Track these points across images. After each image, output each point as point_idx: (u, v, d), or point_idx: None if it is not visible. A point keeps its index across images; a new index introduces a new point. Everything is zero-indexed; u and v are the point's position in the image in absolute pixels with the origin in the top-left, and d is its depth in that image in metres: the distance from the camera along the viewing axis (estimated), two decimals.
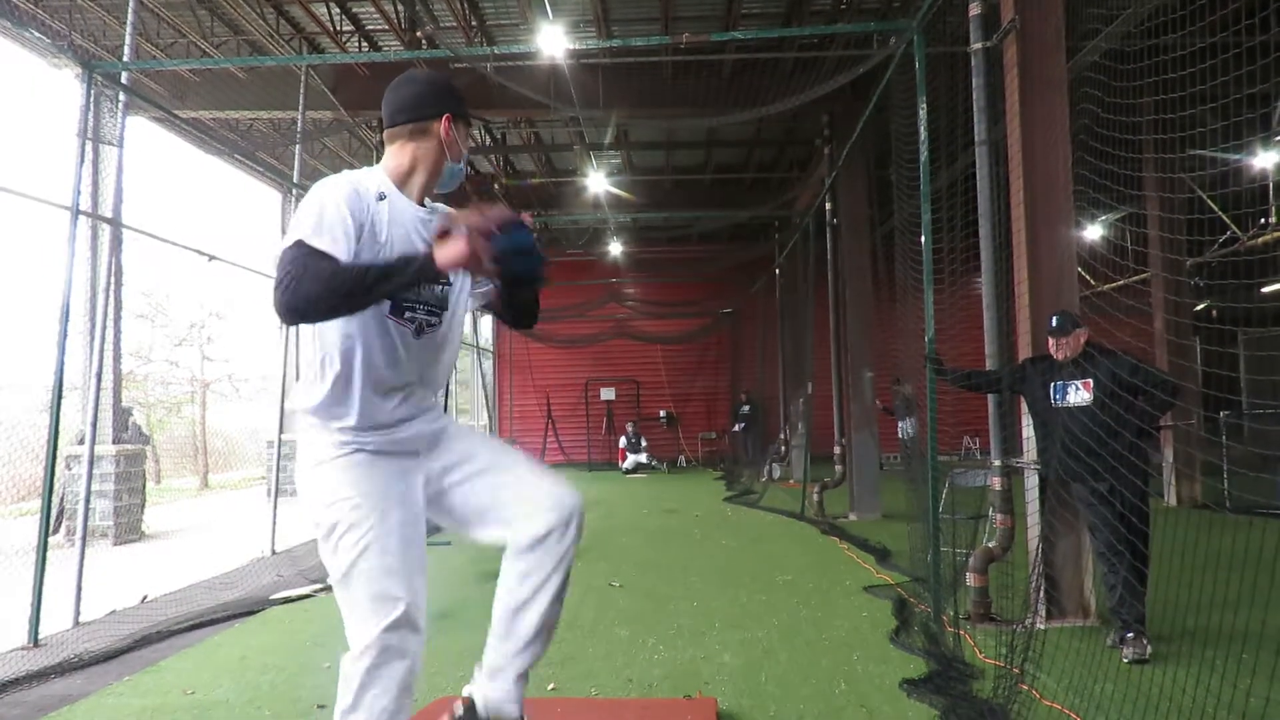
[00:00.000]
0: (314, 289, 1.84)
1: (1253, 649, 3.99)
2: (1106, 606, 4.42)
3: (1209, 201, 10.63)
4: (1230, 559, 4.10)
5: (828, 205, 10.32)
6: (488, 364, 20.02)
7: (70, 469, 9.21)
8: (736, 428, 17.69)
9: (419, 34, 8.95)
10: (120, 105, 5.70)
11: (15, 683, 4.13)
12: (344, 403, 2.14)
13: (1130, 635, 4.10)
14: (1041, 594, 4.73)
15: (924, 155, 5.15)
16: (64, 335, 5.07)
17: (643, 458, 17.89)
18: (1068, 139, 4.98)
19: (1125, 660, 4.02)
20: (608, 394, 19.87)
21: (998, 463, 5.04)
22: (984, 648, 4.29)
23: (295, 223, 1.97)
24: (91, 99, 5.14)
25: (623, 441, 18.33)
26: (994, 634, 4.55)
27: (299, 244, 1.92)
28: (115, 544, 9.17)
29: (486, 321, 20.01)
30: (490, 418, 18.44)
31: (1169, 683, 3.47)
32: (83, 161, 5.28)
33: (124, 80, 6.23)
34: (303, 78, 8.56)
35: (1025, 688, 3.58)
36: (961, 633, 4.50)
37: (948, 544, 5.58)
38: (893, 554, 6.92)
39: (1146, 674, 3.77)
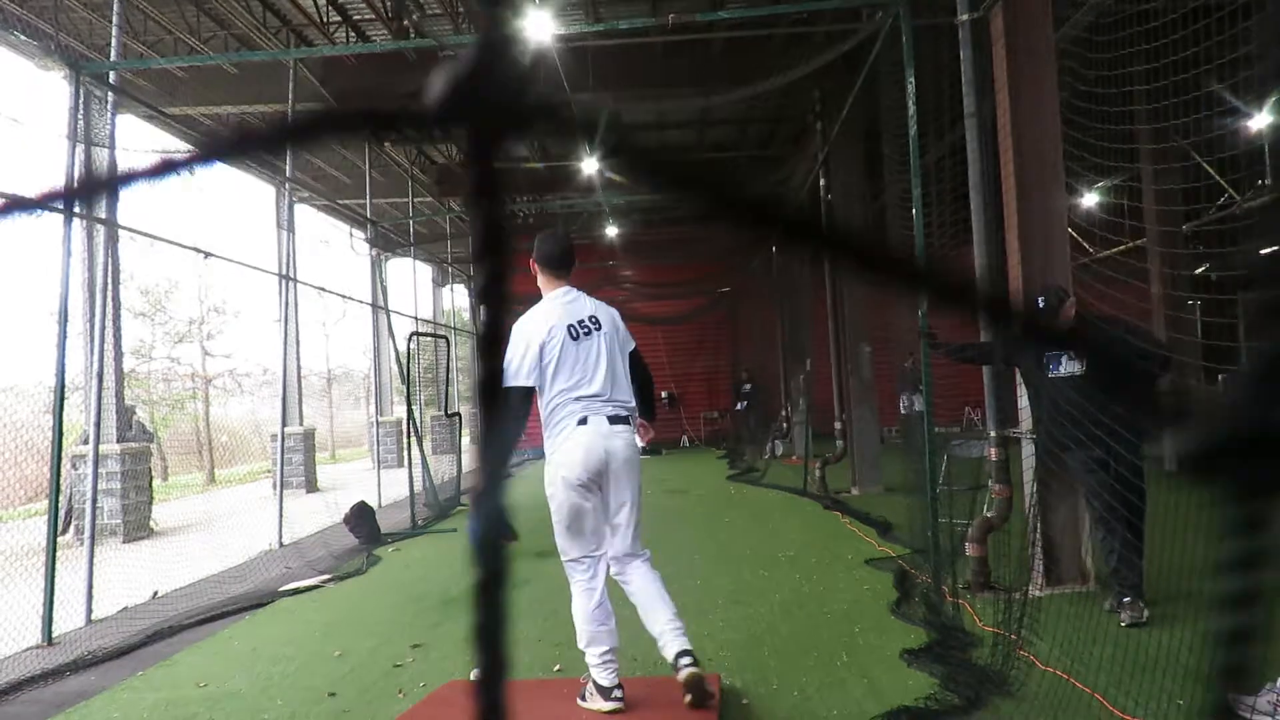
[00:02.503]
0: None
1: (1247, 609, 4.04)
2: (1104, 572, 4.48)
3: (1205, 165, 10.62)
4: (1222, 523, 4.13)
5: (821, 181, 10.32)
6: None
7: (76, 469, 9.28)
8: (739, 406, 17.74)
9: (405, 23, 8.92)
10: (109, 106, 5.70)
11: (31, 681, 4.21)
12: None
13: (1127, 600, 4.16)
14: (1039, 561, 4.79)
15: (913, 129, 5.16)
16: (63, 337, 5.11)
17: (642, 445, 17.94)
18: (1056, 109, 4.99)
19: (1122, 624, 4.08)
20: None
21: (994, 433, 5.09)
22: (983, 616, 4.35)
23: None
24: (80, 100, 5.15)
25: None
26: (993, 602, 4.60)
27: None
28: (125, 541, 9.26)
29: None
30: None
31: (1164, 645, 3.52)
32: (74, 164, 5.29)
33: (112, 80, 6.23)
34: (291, 71, 8.55)
35: (1023, 653, 3.64)
36: (961, 602, 4.56)
37: (946, 515, 5.63)
38: (894, 527, 6.97)
39: (1143, 637, 3.82)
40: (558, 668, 3.99)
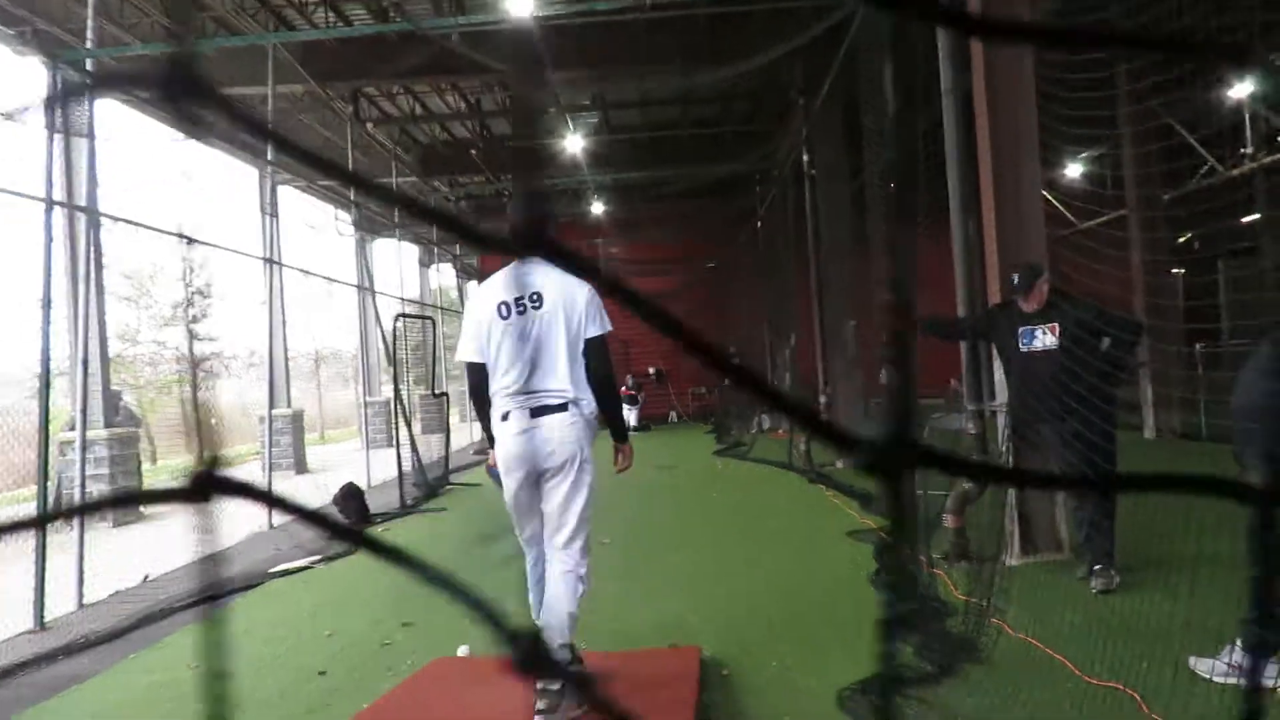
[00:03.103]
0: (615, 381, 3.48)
1: (1214, 572, 4.15)
2: (1078, 541, 4.58)
3: (1185, 134, 10.68)
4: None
5: (805, 156, 10.33)
6: None
7: (64, 454, 9.30)
8: (726, 381, 17.82)
9: (384, 3, 8.87)
10: (88, 96, 5.67)
11: (24, 665, 4.27)
12: None
13: (1099, 568, 4.26)
14: (1015, 531, 4.89)
15: (891, 105, 5.18)
16: (47, 324, 5.13)
17: (632, 419, 18.02)
18: (1032, 83, 5.03)
19: (1094, 591, 4.19)
20: None
21: (972, 407, 5.17)
22: (960, 585, 4.45)
23: (603, 314, 3.17)
24: (59, 87, 5.13)
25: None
26: (970, 572, 4.70)
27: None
28: (114, 526, 9.30)
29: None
30: None
31: (1134, 610, 3.63)
32: (52, 155, 5.28)
33: (90, 67, 6.20)
34: (270, 53, 8.49)
35: (995, 621, 3.74)
36: (938, 572, 4.66)
37: (930, 487, 5.72)
38: (876, 499, 7.07)
39: (1113, 603, 3.93)
40: None
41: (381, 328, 12.35)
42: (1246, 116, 10.76)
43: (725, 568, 5.32)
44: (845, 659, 3.57)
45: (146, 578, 6.20)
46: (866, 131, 6.51)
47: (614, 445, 3.43)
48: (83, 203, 6.32)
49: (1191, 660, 3.11)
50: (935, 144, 5.42)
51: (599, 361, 3.16)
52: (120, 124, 10.88)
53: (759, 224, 15.53)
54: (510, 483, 3.17)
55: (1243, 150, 11.37)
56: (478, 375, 3.21)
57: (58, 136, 7.31)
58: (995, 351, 4.98)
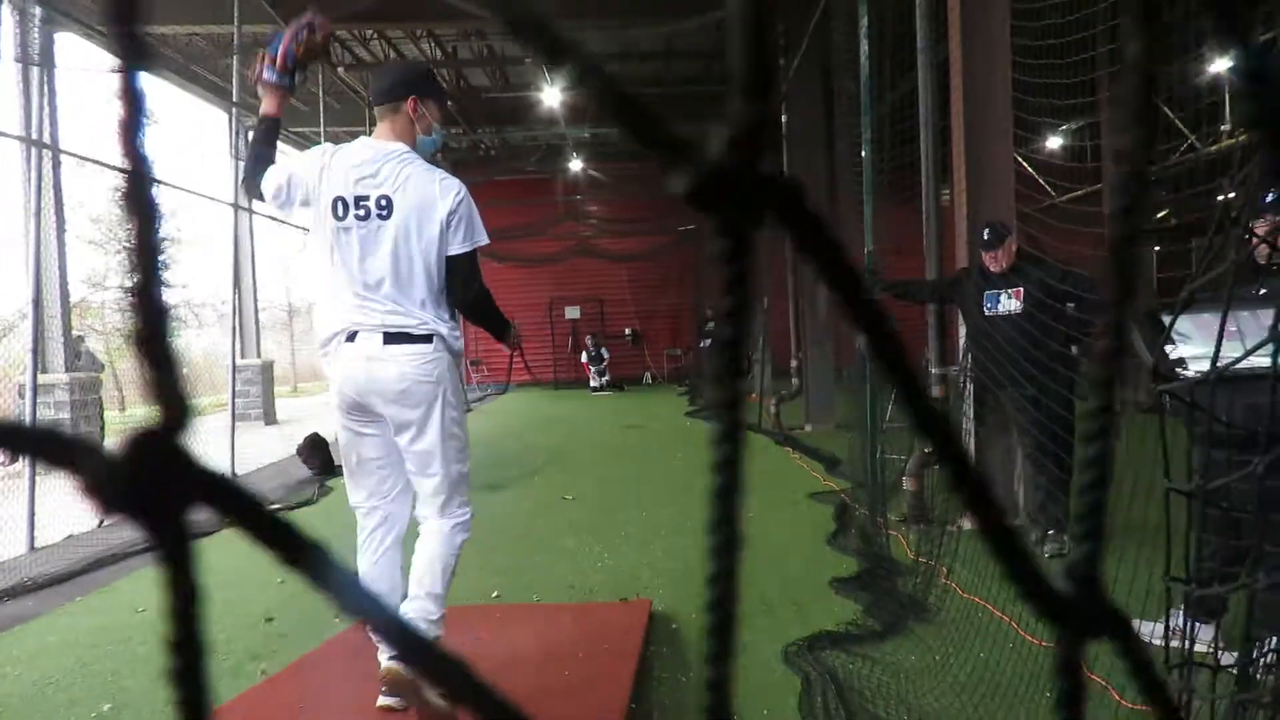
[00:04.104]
0: (489, 300, 2.84)
1: (1160, 539, 4.20)
2: (1032, 506, 4.62)
3: (1165, 109, 10.67)
4: (1155, 456, 4.27)
5: (783, 118, 10.22)
6: None
7: (23, 397, 9.13)
8: (702, 344, 17.82)
9: None
10: (37, 21, 5.47)
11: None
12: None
13: (1051, 533, 4.30)
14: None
15: (864, 63, 5.11)
16: None
17: (595, 380, 17.98)
18: (1008, 50, 4.96)
19: (1046, 556, 4.22)
20: (572, 313, 19.85)
21: (935, 371, 5.17)
22: (914, 547, 4.48)
23: (477, 224, 2.65)
24: (14, 17, 4.94)
25: (584, 356, 18.41)
26: (924, 534, 4.74)
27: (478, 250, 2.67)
28: None
29: None
30: None
31: None
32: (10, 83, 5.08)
33: None
34: None
35: (946, 581, 3.77)
36: (894, 533, 4.69)
37: (892, 450, 5.75)
38: (842, 462, 7.11)
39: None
40: (495, 594, 4.06)
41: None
42: (1225, 94, 10.76)
43: (683, 524, 5.33)
44: (794, 617, 3.59)
45: (102, 523, 6.12)
46: (836, 96, 6.43)
47: (510, 351, 3.15)
48: (35, 135, 6.11)
49: (1135, 623, 3.14)
50: (909, 111, 5.36)
51: (465, 282, 2.63)
52: (86, 60, 10.55)
53: None
54: (349, 424, 2.63)
55: (1222, 127, 11.39)
56: (275, 173, 2.64)
57: (13, 65, 7.08)
58: (960, 315, 4.97)
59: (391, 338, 2.52)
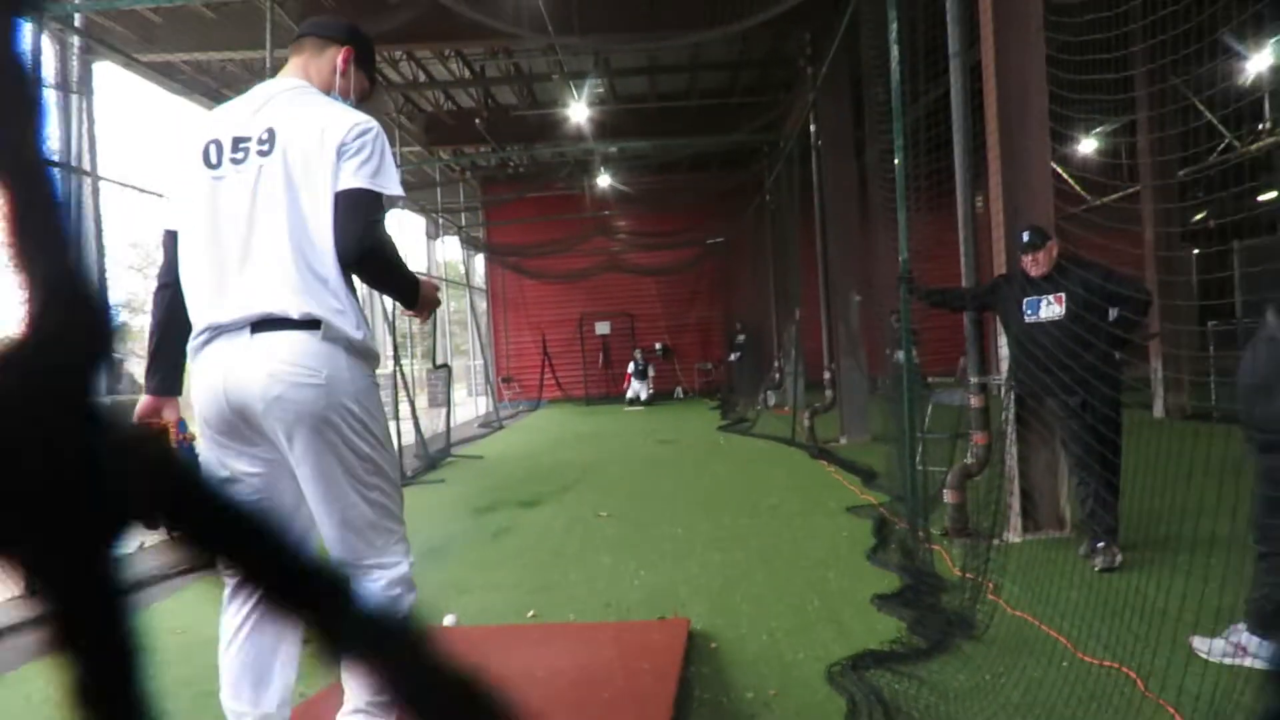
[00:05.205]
0: (394, 253, 2.03)
1: (1221, 553, 4.05)
2: (1079, 518, 4.48)
3: (1203, 109, 10.45)
4: (1207, 467, 4.13)
5: (812, 127, 10.15)
6: (481, 303, 19.98)
7: None
8: (732, 357, 17.72)
9: None
10: (75, 50, 5.57)
11: (13, 629, 4.24)
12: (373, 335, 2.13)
13: (1101, 545, 4.16)
14: (1015, 507, 4.80)
15: (895, 68, 5.03)
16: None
17: (642, 393, 17.91)
18: (1042, 49, 4.86)
19: (1095, 569, 4.09)
20: (603, 328, 19.84)
21: (975, 380, 5.06)
22: (957, 562, 4.36)
23: (387, 169, 1.98)
24: (41, 42, 5.02)
25: (630, 367, 18.35)
26: (968, 548, 4.62)
27: (385, 199, 1.98)
28: None
29: (479, 260, 19.90)
30: (486, 357, 18.46)
31: (1136, 589, 3.53)
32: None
33: (78, 23, 6.08)
34: (268, 13, 8.35)
35: (993, 598, 3.66)
36: (936, 548, 4.58)
37: (923, 463, 5.64)
38: (879, 475, 6.99)
39: (1114, 581, 3.84)
40: (531, 614, 4.01)
41: (384, 300, 12.26)
42: (1266, 93, 10.53)
43: (720, 540, 5.25)
44: (835, 634, 3.50)
45: (141, 545, 6.16)
46: (866, 104, 6.35)
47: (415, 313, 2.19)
48: (74, 163, 6.21)
49: (1193, 640, 3.03)
50: (941, 117, 5.27)
51: (357, 228, 1.89)
52: (119, 85, 10.76)
53: (766, 197, 15.34)
54: (217, 453, 1.99)
55: (1261, 126, 11.13)
56: (174, 254, 2.02)
57: (53, 93, 7.21)
58: (1000, 323, 4.86)
59: (261, 325, 1.88)
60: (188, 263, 1.98)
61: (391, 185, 1.98)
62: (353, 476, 1.95)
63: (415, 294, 2.10)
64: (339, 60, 2.18)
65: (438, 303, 2.23)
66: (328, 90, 2.15)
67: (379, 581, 2.01)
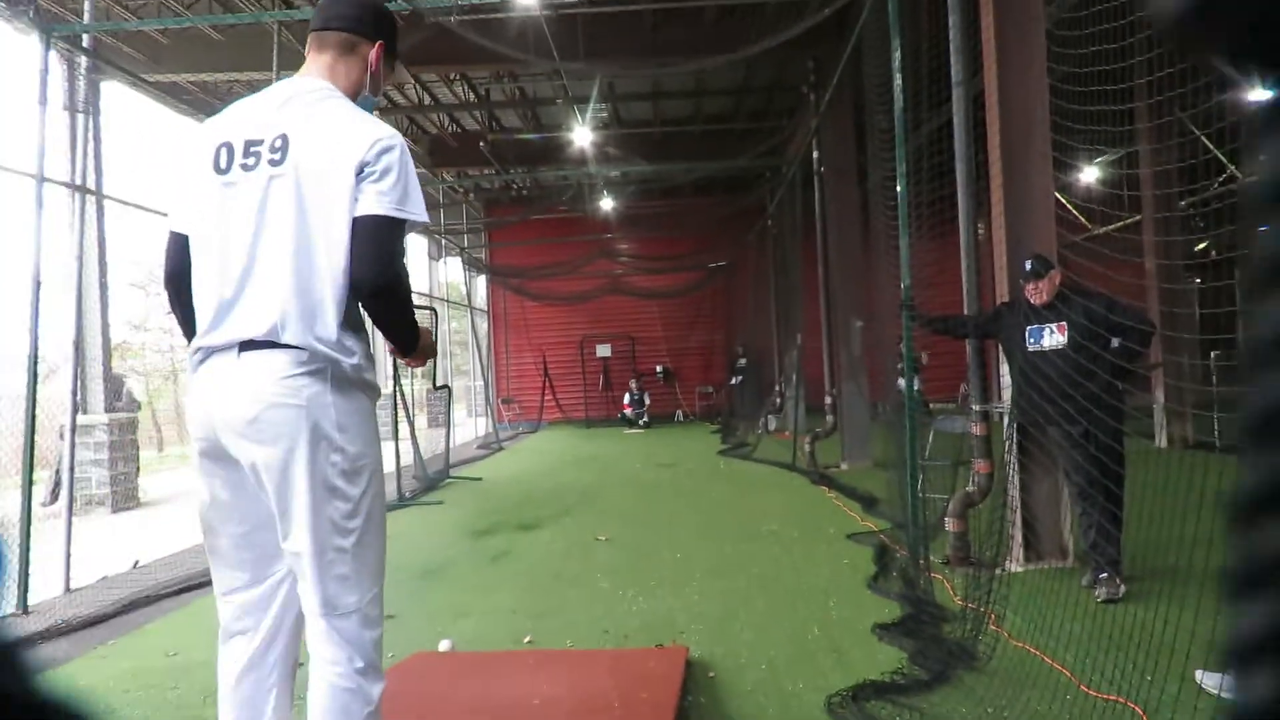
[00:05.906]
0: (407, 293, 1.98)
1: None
2: (1082, 548, 4.44)
3: (1205, 140, 10.49)
4: (1211, 498, 4.10)
5: (814, 153, 10.20)
6: (482, 324, 20.00)
7: (64, 439, 9.25)
8: (733, 381, 17.71)
9: None
10: (82, 70, 5.61)
11: None
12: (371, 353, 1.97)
13: (1104, 576, 4.13)
14: (1017, 537, 4.76)
15: (898, 96, 5.06)
16: (36, 305, 5.06)
17: (640, 422, 17.87)
18: (1044, 79, 4.88)
19: (1098, 600, 4.05)
20: (604, 351, 19.84)
21: (977, 408, 5.04)
22: (959, 591, 4.32)
23: (412, 191, 1.86)
24: (50, 63, 5.06)
25: (626, 398, 18.34)
26: (970, 577, 4.58)
27: (406, 225, 1.89)
28: (113, 511, 9.26)
29: (480, 281, 19.93)
30: (486, 378, 18.45)
31: (1139, 621, 3.48)
32: (44, 129, 5.21)
33: (86, 44, 6.13)
34: (275, 36, 8.42)
35: (996, 628, 3.62)
36: (938, 577, 4.54)
37: (933, 490, 5.61)
38: (880, 501, 6.95)
39: (1117, 613, 3.80)
40: (528, 639, 3.97)
41: None
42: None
43: (719, 566, 5.21)
44: (835, 664, 3.46)
45: (137, 564, 6.13)
46: (869, 130, 6.38)
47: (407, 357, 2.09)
48: (79, 181, 6.24)
49: (1199, 674, 2.99)
50: (943, 145, 5.29)
51: (374, 258, 1.81)
52: (126, 105, 10.83)
53: (769, 222, 15.38)
54: (205, 482, 1.91)
55: (1263, 158, 11.17)
56: (177, 258, 1.94)
57: (61, 113, 7.25)
58: (1002, 351, 4.85)
59: (249, 345, 1.80)
60: (196, 272, 1.91)
61: (416, 210, 1.87)
62: (325, 510, 1.80)
63: (415, 340, 2.01)
64: (371, 58, 2.01)
65: (434, 353, 2.15)
66: (356, 92, 2.01)
67: (336, 668, 1.84)
